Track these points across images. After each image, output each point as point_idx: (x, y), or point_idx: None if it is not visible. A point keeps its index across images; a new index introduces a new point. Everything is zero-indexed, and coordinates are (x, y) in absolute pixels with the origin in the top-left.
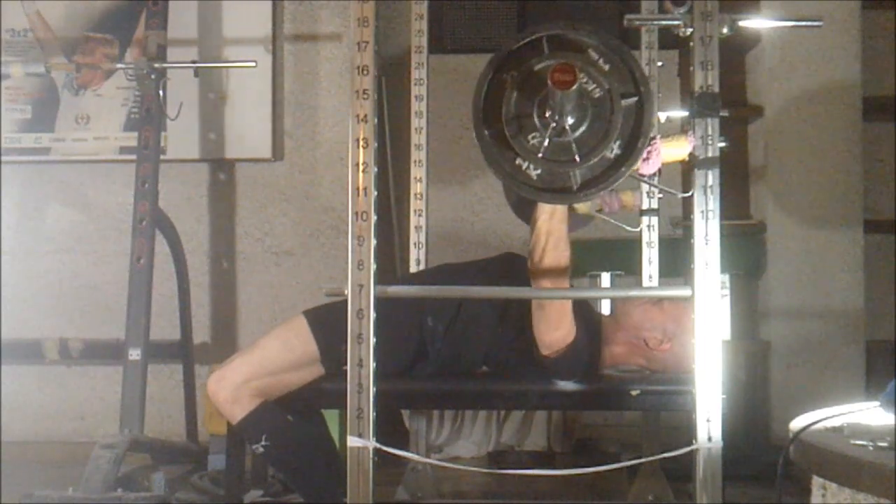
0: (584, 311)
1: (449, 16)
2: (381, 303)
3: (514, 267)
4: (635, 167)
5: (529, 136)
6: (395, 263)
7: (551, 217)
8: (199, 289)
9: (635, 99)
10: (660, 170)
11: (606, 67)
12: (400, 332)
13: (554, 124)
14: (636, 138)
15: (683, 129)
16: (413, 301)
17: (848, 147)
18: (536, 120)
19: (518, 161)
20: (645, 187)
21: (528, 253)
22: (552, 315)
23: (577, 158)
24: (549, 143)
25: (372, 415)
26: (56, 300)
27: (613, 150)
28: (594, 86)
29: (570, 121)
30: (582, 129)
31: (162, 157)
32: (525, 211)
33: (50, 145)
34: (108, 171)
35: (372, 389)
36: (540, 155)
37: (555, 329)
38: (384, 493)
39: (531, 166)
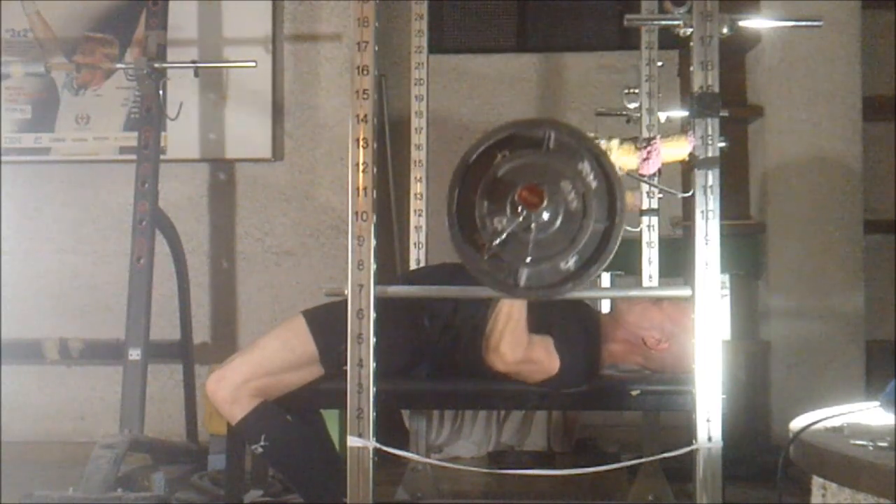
0: (580, 316)
1: (449, 16)
2: (379, 303)
3: None
4: (580, 287)
5: (496, 219)
6: (395, 263)
7: (513, 301)
8: (199, 289)
9: (606, 225)
10: (660, 170)
11: (594, 184)
12: (398, 333)
13: (521, 218)
14: (593, 262)
15: (683, 129)
16: (410, 302)
17: (848, 147)
18: (508, 207)
19: (477, 237)
20: (645, 187)
21: (486, 333)
22: (501, 342)
23: (528, 259)
24: (509, 234)
25: (372, 415)
26: (56, 300)
27: (568, 263)
28: (574, 197)
29: (544, 217)
30: (547, 232)
31: (162, 157)
32: None
33: (50, 145)
34: (108, 171)
35: (372, 389)
36: (496, 242)
37: (506, 354)
38: (384, 493)
39: (486, 249)
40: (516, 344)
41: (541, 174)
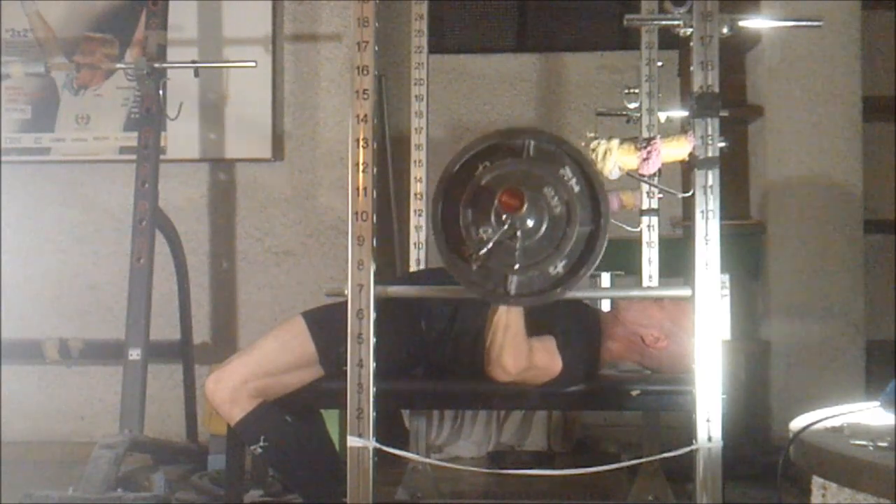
0: (580, 315)
1: (449, 16)
2: (377, 304)
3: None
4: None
5: (481, 229)
6: (395, 263)
7: (510, 311)
8: (199, 289)
9: (591, 228)
10: (660, 170)
11: (576, 189)
12: (395, 334)
13: (506, 227)
14: (581, 265)
15: (683, 129)
16: (408, 304)
17: (848, 147)
18: (493, 216)
19: (464, 248)
20: (645, 187)
21: (485, 345)
22: (503, 353)
23: (517, 266)
24: (496, 242)
25: (372, 415)
26: (56, 300)
27: (557, 267)
28: (558, 202)
29: (528, 223)
30: (533, 238)
31: (162, 157)
32: None
33: (50, 145)
34: (108, 171)
35: (372, 389)
36: (482, 251)
37: (507, 365)
38: (384, 493)
39: (473, 259)
40: (518, 354)
41: (522, 181)
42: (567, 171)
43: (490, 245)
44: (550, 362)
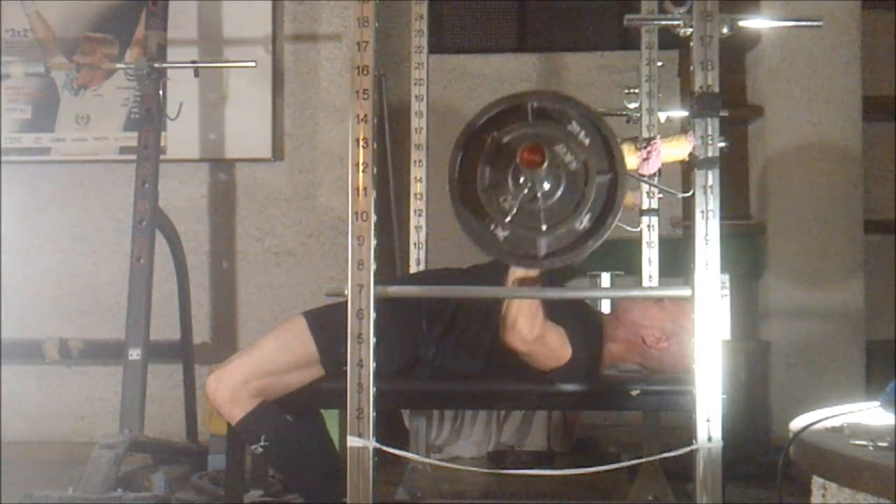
0: (584, 316)
1: (449, 16)
2: (378, 304)
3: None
4: (601, 240)
5: (501, 199)
6: (395, 263)
7: (524, 278)
8: (199, 289)
9: (609, 176)
10: (660, 170)
11: (587, 142)
12: (394, 334)
13: (526, 191)
14: (607, 214)
15: (683, 129)
16: (409, 304)
17: (848, 147)
18: (510, 183)
19: (487, 220)
20: (645, 187)
21: (501, 313)
22: (539, 356)
23: (544, 227)
24: (518, 208)
25: (372, 415)
26: (56, 300)
27: (583, 222)
28: (571, 158)
29: (545, 187)
30: (554, 198)
31: (162, 157)
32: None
33: (50, 145)
34: (108, 171)
35: (372, 389)
36: (508, 219)
37: (543, 362)
38: (384, 493)
39: (499, 227)
40: (533, 320)
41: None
42: (575, 126)
43: (515, 209)
44: (561, 347)
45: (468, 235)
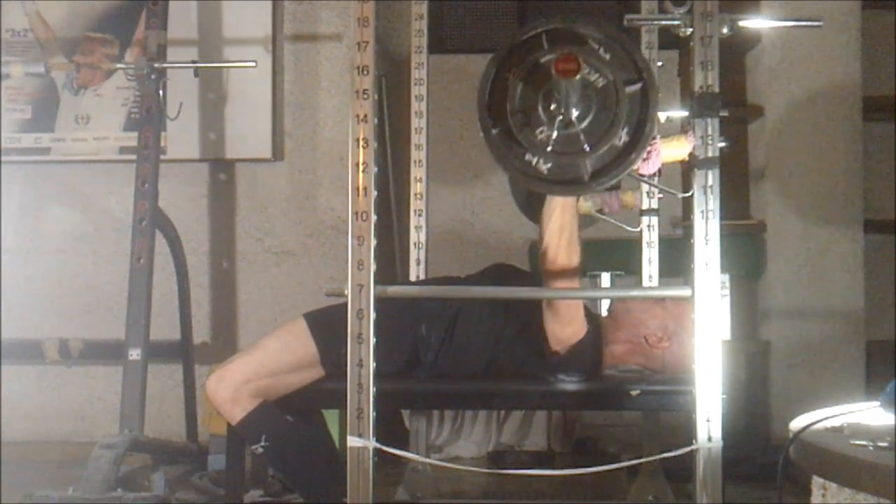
0: (588, 311)
1: (449, 16)
2: (378, 304)
3: (508, 276)
4: (644, 153)
5: (537, 131)
6: (395, 263)
7: (563, 212)
8: (199, 289)
9: (639, 85)
10: (660, 170)
11: (608, 57)
12: (393, 336)
13: (560, 117)
14: (643, 124)
15: (683, 129)
16: (408, 307)
17: (848, 147)
18: (542, 114)
19: (527, 157)
20: (645, 187)
21: (539, 251)
22: (564, 312)
23: (587, 148)
24: (556, 135)
25: (372, 415)
26: (56, 300)
27: (622, 137)
28: (597, 75)
29: (575, 112)
30: (588, 119)
31: (162, 157)
32: (534, 209)
33: (50, 145)
34: (108, 171)
35: (372, 389)
36: (549, 148)
37: (567, 325)
38: (384, 493)
39: (541, 160)
40: (573, 256)
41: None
42: (592, 44)
43: (554, 135)
44: (580, 321)
45: (510, 173)
